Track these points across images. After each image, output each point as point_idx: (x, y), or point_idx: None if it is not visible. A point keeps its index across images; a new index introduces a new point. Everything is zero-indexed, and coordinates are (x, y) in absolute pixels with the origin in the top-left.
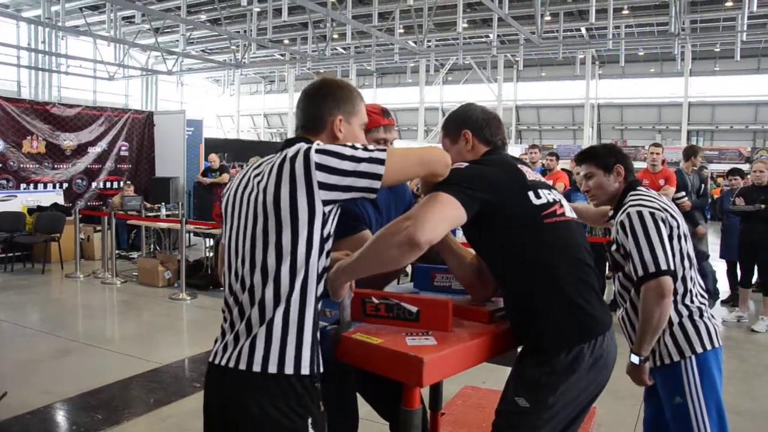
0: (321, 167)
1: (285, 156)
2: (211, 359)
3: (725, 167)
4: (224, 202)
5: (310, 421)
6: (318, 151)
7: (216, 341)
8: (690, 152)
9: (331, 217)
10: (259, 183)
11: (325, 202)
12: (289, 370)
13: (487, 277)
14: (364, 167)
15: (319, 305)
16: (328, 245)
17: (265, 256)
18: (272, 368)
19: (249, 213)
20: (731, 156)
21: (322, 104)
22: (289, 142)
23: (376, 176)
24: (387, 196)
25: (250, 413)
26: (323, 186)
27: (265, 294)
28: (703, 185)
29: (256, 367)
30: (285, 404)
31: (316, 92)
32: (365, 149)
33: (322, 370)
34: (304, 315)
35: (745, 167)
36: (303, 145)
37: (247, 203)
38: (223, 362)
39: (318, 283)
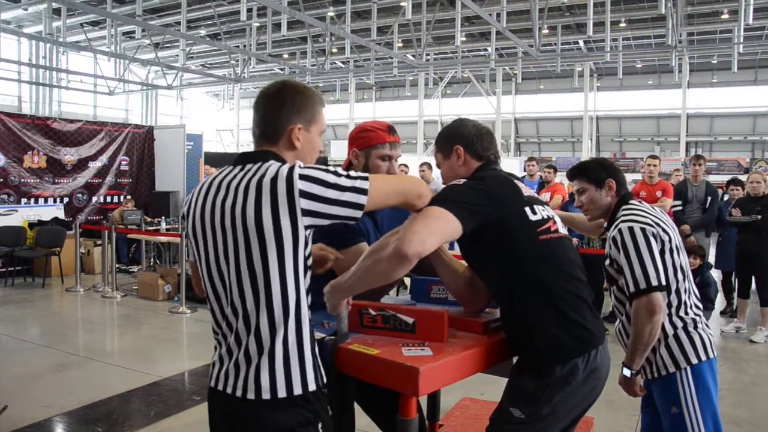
0: (305, 194)
1: (262, 178)
2: (213, 384)
3: (724, 178)
4: (189, 222)
5: (320, 425)
6: (302, 177)
7: (213, 364)
8: (691, 161)
9: (309, 238)
10: (233, 206)
11: (308, 227)
12: (297, 390)
13: (480, 288)
14: (347, 197)
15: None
16: (309, 262)
17: (255, 282)
18: (281, 393)
19: (228, 237)
20: (730, 167)
21: (280, 110)
22: (249, 157)
23: (359, 206)
24: (390, 212)
25: (264, 428)
26: (307, 213)
27: (260, 321)
28: (710, 198)
29: (266, 395)
30: (297, 413)
31: (275, 96)
32: (348, 177)
33: (326, 379)
34: (302, 336)
35: (744, 177)
36: (282, 168)
37: (222, 226)
38: (229, 390)
39: (306, 298)
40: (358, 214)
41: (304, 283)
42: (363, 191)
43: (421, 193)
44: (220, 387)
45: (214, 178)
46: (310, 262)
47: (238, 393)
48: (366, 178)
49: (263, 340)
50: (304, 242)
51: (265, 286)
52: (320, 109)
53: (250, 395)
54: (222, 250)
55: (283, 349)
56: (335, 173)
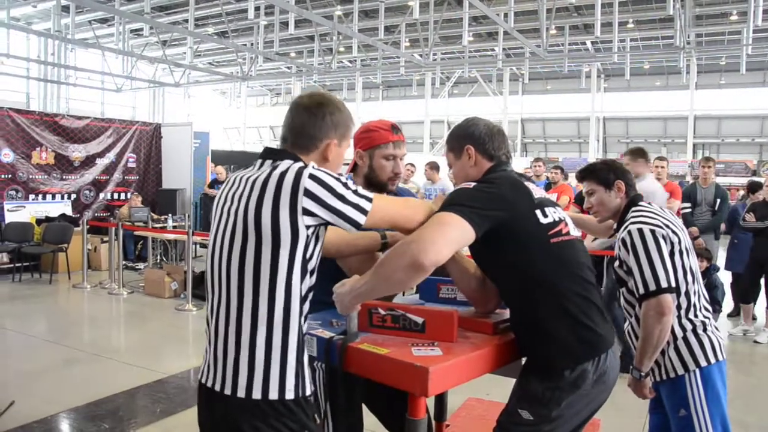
0: (309, 194)
1: (272, 171)
2: (199, 377)
3: (731, 180)
4: (212, 215)
5: None
6: (311, 176)
7: (204, 357)
8: (700, 163)
9: (314, 239)
10: (240, 197)
11: (308, 226)
12: (273, 395)
13: (491, 289)
14: (348, 211)
15: (305, 327)
16: (312, 265)
17: (243, 273)
18: (256, 394)
19: (228, 225)
20: (737, 169)
21: (320, 124)
22: (271, 153)
23: (356, 223)
24: None
25: (241, 429)
26: (307, 213)
27: (242, 314)
28: (719, 200)
29: (241, 393)
30: (279, 422)
31: (315, 110)
32: (355, 193)
33: (309, 392)
34: (288, 338)
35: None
36: (294, 165)
37: (227, 215)
38: (209, 383)
39: (302, 304)
40: (353, 231)
41: (301, 284)
42: (364, 211)
43: (411, 228)
44: (203, 380)
45: (239, 174)
46: (312, 264)
47: (217, 387)
48: (371, 200)
49: (243, 334)
50: (305, 241)
51: (253, 279)
52: (352, 127)
53: (227, 390)
54: (220, 238)
55: (265, 349)
56: (345, 185)
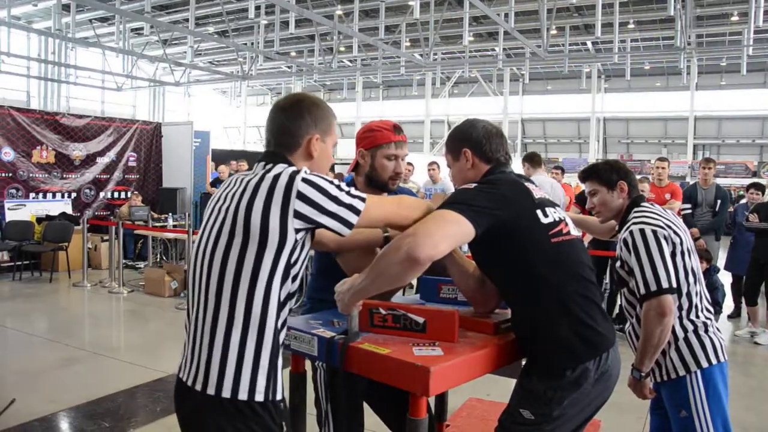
0: (302, 197)
1: (266, 174)
2: (177, 370)
3: (731, 181)
4: (206, 212)
5: None
6: (304, 180)
7: (183, 348)
8: (701, 164)
9: (301, 244)
10: (232, 196)
11: (297, 230)
12: (242, 395)
13: (490, 289)
14: (341, 212)
15: (283, 333)
16: (295, 271)
17: (223, 271)
18: (226, 393)
19: (216, 224)
20: (737, 170)
21: (299, 121)
22: (266, 156)
23: (349, 224)
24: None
25: (208, 427)
26: (298, 215)
27: (219, 311)
28: (719, 201)
29: (211, 390)
30: (244, 425)
31: (292, 108)
32: (348, 194)
33: (279, 397)
34: (262, 340)
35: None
36: (288, 168)
37: (218, 214)
38: (184, 378)
39: (280, 309)
40: (346, 231)
41: (281, 289)
42: (357, 211)
43: (407, 226)
44: (180, 374)
45: (238, 175)
46: (296, 270)
47: (189, 381)
48: (364, 200)
49: (218, 332)
50: (291, 247)
51: (234, 278)
52: (334, 122)
53: (198, 386)
54: (207, 234)
55: (238, 349)
56: (338, 187)
